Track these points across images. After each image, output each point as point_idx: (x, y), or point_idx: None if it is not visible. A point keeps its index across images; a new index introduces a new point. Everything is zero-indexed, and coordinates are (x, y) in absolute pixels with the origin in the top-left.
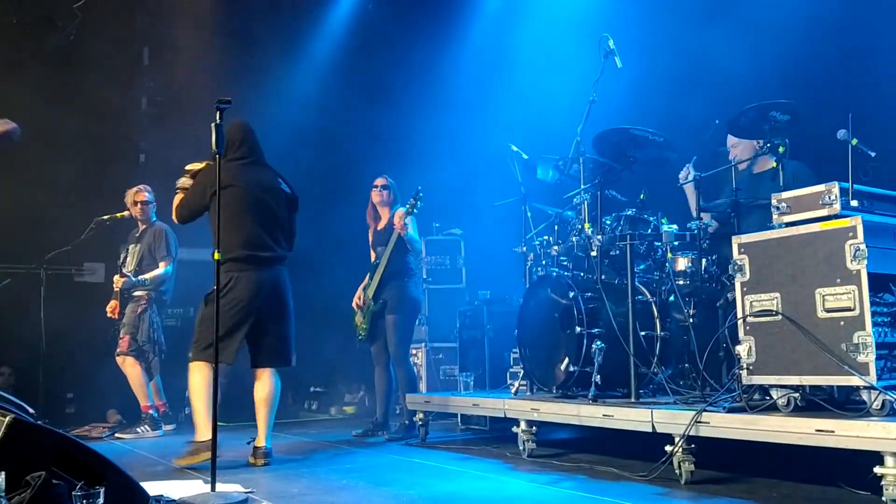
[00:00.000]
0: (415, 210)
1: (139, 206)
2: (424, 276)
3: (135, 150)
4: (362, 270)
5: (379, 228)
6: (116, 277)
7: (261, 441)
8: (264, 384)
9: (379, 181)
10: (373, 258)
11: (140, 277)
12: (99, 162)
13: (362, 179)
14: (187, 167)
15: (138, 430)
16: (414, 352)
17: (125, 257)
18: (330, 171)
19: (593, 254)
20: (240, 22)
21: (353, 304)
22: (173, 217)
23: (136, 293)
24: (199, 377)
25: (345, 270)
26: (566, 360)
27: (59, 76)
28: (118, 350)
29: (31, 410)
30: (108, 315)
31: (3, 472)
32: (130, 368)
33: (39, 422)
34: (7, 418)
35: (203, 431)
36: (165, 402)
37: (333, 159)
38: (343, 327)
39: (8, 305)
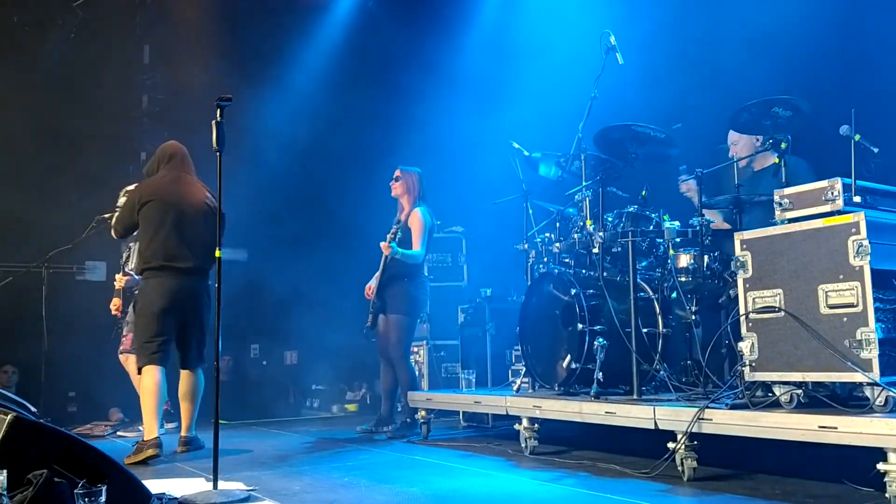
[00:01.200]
0: (395, 238)
1: None
2: (426, 274)
3: (136, 148)
4: (365, 270)
5: (401, 218)
6: (119, 276)
7: (183, 431)
8: (185, 382)
9: (396, 172)
10: None
11: None
12: (100, 160)
13: (366, 176)
14: (126, 188)
15: (140, 428)
16: (416, 349)
17: (127, 255)
18: (333, 169)
19: (595, 251)
20: (240, 19)
21: (366, 293)
22: (112, 234)
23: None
24: (145, 380)
25: (346, 269)
26: (568, 357)
27: (60, 74)
28: (121, 348)
29: (33, 409)
30: (112, 313)
31: (4, 471)
32: (133, 366)
33: (41, 420)
34: (8, 417)
35: (149, 430)
36: (167, 400)
37: (336, 156)
38: (345, 325)
39: (10, 304)
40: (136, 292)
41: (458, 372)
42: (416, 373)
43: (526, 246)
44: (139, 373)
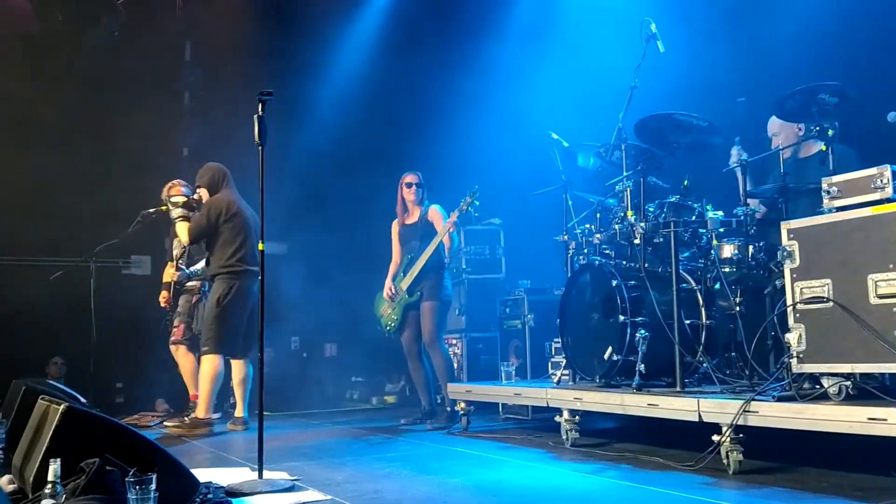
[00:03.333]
0: (469, 209)
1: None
2: (463, 266)
3: (177, 143)
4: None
5: (407, 223)
6: (172, 271)
7: (240, 412)
8: (241, 370)
9: (410, 178)
10: (396, 249)
11: (192, 269)
12: (143, 156)
13: (402, 168)
14: (172, 184)
15: (185, 418)
16: (454, 341)
17: (181, 252)
18: (371, 163)
19: (636, 241)
20: (280, 14)
21: (385, 295)
22: (185, 240)
23: (189, 284)
24: (210, 367)
25: (385, 261)
26: (609, 349)
27: (104, 72)
28: (173, 338)
29: (82, 400)
30: (161, 305)
31: (58, 459)
32: (183, 357)
33: (92, 410)
34: (61, 407)
35: (202, 410)
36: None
37: (374, 151)
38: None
39: (59, 298)
40: (218, 288)
41: (497, 364)
42: (455, 365)
43: (566, 237)
44: (199, 358)
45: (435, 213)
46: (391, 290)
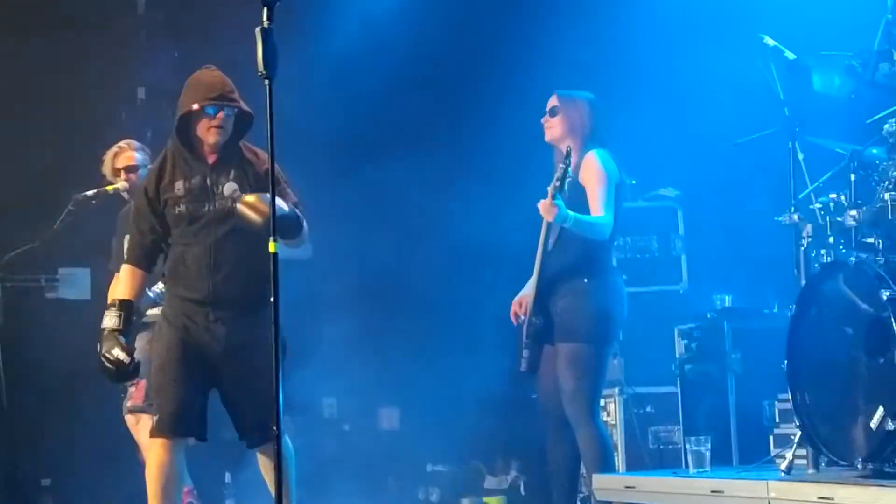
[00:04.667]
0: (560, 189)
1: (124, 174)
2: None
3: (131, 84)
4: (510, 270)
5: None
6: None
7: None
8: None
9: (549, 102)
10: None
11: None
12: (76, 108)
13: (508, 118)
14: None
15: None
16: (602, 402)
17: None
18: (455, 102)
19: None
20: None
21: (511, 315)
22: None
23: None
24: None
25: (479, 270)
26: (880, 410)
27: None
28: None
29: None
30: None
31: None
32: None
33: None
34: None
35: None
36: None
37: (461, 86)
38: (478, 360)
39: None
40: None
41: (676, 440)
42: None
43: (795, 217)
44: None
45: (589, 166)
46: (519, 305)
